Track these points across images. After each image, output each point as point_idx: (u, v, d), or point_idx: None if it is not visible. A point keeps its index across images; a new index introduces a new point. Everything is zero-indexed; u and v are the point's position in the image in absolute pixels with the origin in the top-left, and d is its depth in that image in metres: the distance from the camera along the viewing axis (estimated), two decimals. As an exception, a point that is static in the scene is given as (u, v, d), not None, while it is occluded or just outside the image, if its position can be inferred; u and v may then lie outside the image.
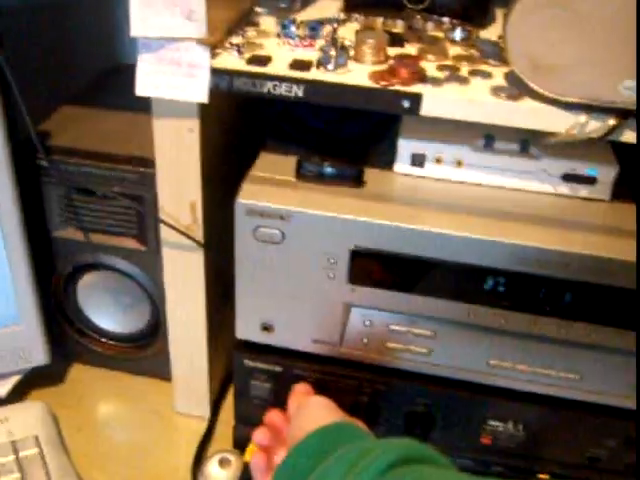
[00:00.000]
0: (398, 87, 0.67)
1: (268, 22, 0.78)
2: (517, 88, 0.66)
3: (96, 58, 1.09)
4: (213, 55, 0.69)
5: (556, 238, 0.70)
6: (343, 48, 0.70)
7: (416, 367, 0.80)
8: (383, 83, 0.67)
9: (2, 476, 0.83)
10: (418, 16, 0.78)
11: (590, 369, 0.76)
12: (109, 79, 1.03)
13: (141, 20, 0.67)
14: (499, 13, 0.82)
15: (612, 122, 0.64)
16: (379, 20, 0.78)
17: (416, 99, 0.66)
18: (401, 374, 0.81)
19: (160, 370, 0.97)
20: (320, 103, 0.69)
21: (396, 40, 0.75)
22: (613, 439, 0.80)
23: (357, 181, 0.76)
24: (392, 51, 0.73)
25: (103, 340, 1.00)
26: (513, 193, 0.76)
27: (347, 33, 0.75)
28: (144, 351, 0.98)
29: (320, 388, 0.78)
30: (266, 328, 0.81)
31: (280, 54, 0.72)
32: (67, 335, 0.99)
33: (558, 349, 0.76)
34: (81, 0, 1.08)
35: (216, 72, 0.69)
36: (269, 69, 0.69)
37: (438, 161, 0.76)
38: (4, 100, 0.78)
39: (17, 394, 0.96)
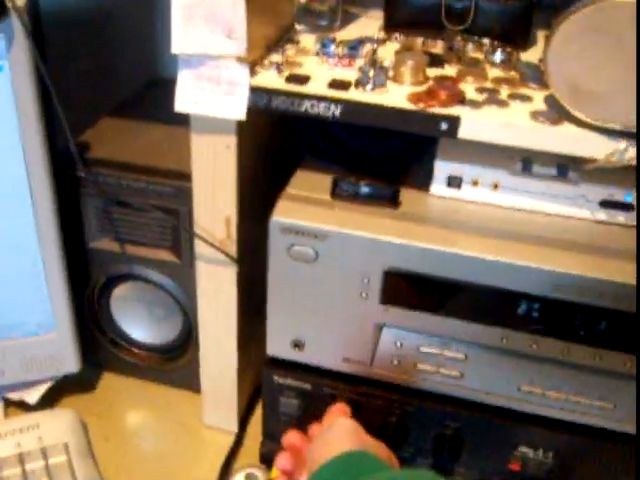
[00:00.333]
0: (436, 109, 0.66)
1: (308, 40, 0.79)
2: (557, 112, 0.66)
3: (136, 72, 1.10)
4: (252, 73, 0.70)
5: (592, 265, 0.69)
6: (382, 68, 0.70)
7: (447, 390, 0.79)
8: (421, 105, 0.67)
9: (31, 482, 0.84)
10: (458, 37, 0.78)
11: (624, 398, 0.75)
12: (148, 93, 1.04)
13: (182, 37, 0.68)
14: (540, 35, 0.81)
15: (652, 149, 0.63)
16: (419, 40, 0.78)
17: (454, 122, 0.66)
18: (431, 396, 0.80)
19: (190, 382, 0.97)
20: (358, 123, 0.69)
21: (435, 61, 0.75)
22: (645, 470, 0.79)
23: (393, 201, 0.75)
24: (431, 72, 0.73)
25: (134, 350, 1.01)
26: (549, 218, 0.75)
27: (386, 53, 0.75)
28: (174, 362, 0.99)
29: (349, 407, 0.78)
30: (297, 345, 0.81)
31: (319, 73, 0.72)
32: (99, 344, 1.00)
33: (591, 377, 0.75)
34: (122, 15, 1.09)
35: (255, 90, 0.69)
36: (308, 88, 0.69)
37: (475, 184, 0.76)
38: (45, 111, 0.79)
39: (47, 400, 0.97)
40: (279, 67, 0.71)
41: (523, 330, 0.73)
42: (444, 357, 0.77)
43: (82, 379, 0.99)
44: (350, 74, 0.72)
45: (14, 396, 0.96)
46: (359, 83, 0.69)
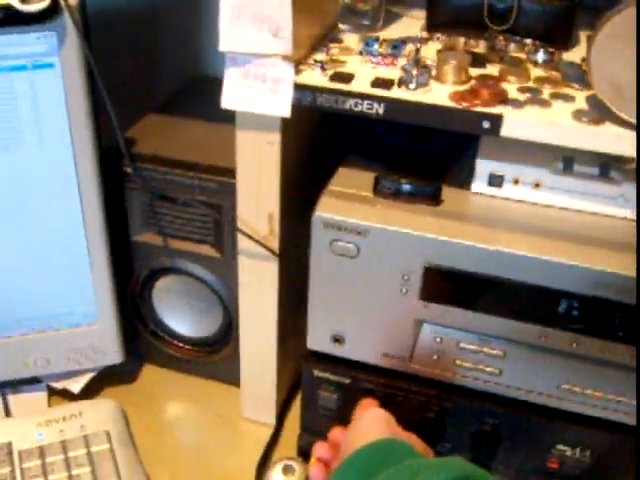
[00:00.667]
0: (479, 108, 0.67)
1: (351, 39, 0.80)
2: (599, 112, 0.66)
3: (181, 70, 1.12)
4: (297, 71, 0.71)
5: (632, 264, 0.69)
6: (425, 67, 0.71)
7: (485, 387, 0.80)
8: (464, 104, 0.67)
9: (74, 469, 0.86)
10: (501, 37, 0.78)
11: (663, 398, 0.75)
12: (192, 90, 1.06)
13: (230, 36, 0.69)
14: (582, 35, 0.81)
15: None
16: (461, 40, 0.79)
17: (496, 120, 0.67)
18: (470, 393, 0.81)
19: (229, 375, 0.99)
20: (401, 121, 0.70)
21: (478, 60, 0.75)
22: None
23: (434, 199, 0.76)
24: (474, 71, 0.73)
25: (175, 342, 1.02)
26: (591, 217, 0.75)
27: (429, 52, 0.76)
28: (214, 356, 1.00)
29: (387, 402, 0.79)
30: (337, 340, 0.82)
31: (362, 72, 0.73)
32: (141, 336, 1.02)
33: (630, 376, 0.75)
34: (167, 14, 1.11)
35: (299, 88, 0.70)
36: (351, 86, 0.70)
37: (516, 182, 0.76)
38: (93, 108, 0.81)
39: (90, 390, 0.98)
40: (323, 66, 0.72)
41: (562, 328, 0.73)
42: (483, 354, 0.78)
43: (123, 370, 1.01)
44: (393, 73, 0.72)
45: (58, 385, 0.98)
46: (402, 82, 0.70)
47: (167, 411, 1.00)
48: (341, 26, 0.82)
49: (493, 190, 0.77)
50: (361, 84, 0.70)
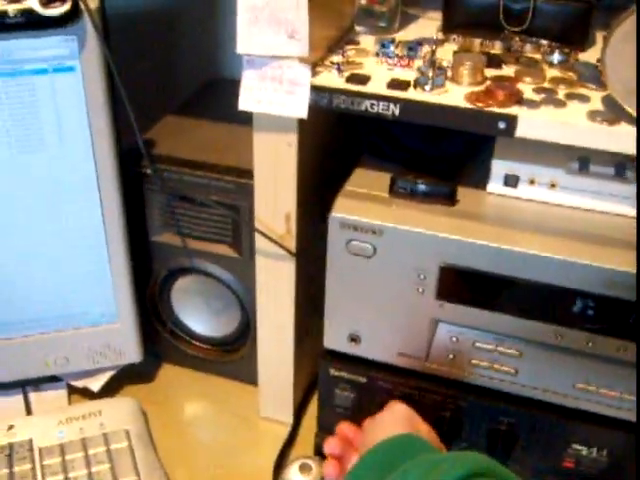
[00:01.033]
0: (494, 109, 0.67)
1: (367, 41, 0.80)
2: (615, 112, 0.66)
3: (198, 72, 1.13)
4: (314, 73, 0.72)
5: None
6: (441, 69, 0.71)
7: (501, 386, 0.80)
8: (479, 105, 0.68)
9: (93, 466, 0.86)
10: (516, 38, 0.78)
11: (679, 398, 0.75)
12: (209, 92, 1.06)
13: (247, 38, 0.70)
14: (599, 36, 0.81)
15: None
16: (477, 41, 0.79)
17: (512, 121, 0.67)
18: (486, 392, 0.81)
19: (246, 374, 0.99)
20: (417, 122, 0.70)
21: (493, 61, 0.75)
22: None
23: (450, 199, 0.77)
24: (489, 72, 0.73)
25: (193, 342, 1.03)
26: (606, 217, 0.76)
27: (445, 54, 0.76)
28: (232, 355, 1.01)
29: (403, 401, 0.79)
30: (353, 339, 0.82)
31: (378, 73, 0.73)
32: (159, 335, 1.03)
33: (647, 375, 0.75)
34: (184, 17, 1.12)
35: (316, 89, 0.71)
36: (368, 88, 0.71)
37: (532, 182, 0.76)
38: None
39: (109, 389, 1.00)
40: (339, 67, 0.73)
41: (577, 328, 0.74)
42: (499, 353, 0.78)
43: (142, 369, 1.02)
44: (409, 74, 0.73)
45: (78, 384, 0.99)
46: (418, 83, 0.70)
47: (185, 410, 1.01)
48: (357, 28, 0.83)
49: (509, 190, 0.77)
50: (377, 85, 0.71)
